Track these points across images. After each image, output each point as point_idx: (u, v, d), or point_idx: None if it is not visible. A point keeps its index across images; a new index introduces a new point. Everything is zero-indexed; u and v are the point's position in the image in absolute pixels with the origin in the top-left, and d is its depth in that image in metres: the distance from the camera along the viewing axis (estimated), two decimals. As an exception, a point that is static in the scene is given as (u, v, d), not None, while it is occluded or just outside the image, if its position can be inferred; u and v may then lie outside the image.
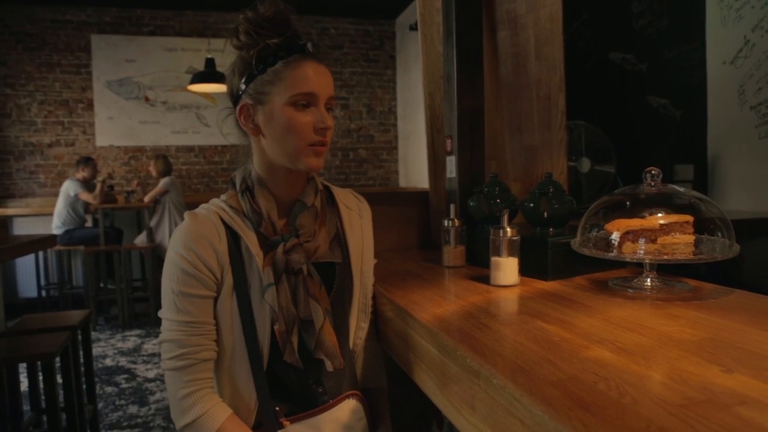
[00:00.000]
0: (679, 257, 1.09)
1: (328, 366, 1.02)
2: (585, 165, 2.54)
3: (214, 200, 1.09)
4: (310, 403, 1.08)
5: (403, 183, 6.81)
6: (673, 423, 0.55)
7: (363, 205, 1.22)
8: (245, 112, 1.04)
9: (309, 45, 1.05)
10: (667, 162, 3.13)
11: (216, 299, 1.03)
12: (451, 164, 1.68)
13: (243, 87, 1.03)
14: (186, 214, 1.05)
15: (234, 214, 1.05)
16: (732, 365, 0.70)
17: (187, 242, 1.00)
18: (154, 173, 5.31)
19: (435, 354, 0.91)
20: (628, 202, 1.19)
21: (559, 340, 0.83)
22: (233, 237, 1.04)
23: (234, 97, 1.07)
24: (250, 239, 1.03)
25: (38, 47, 5.84)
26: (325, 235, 1.10)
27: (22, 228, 5.55)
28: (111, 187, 5.47)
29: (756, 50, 2.85)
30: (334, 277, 1.11)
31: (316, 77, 1.01)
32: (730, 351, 0.76)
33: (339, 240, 1.14)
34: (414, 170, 6.36)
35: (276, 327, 1.00)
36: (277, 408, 1.04)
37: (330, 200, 1.18)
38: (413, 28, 5.87)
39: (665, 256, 1.09)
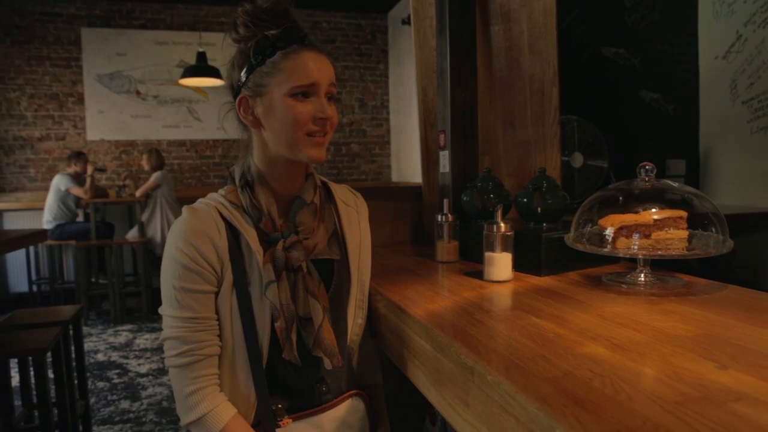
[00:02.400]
0: (673, 252, 1.09)
1: (327, 364, 1.02)
2: (577, 160, 2.54)
3: (212, 195, 1.08)
4: (313, 401, 1.07)
5: (395, 177, 6.80)
6: (669, 420, 0.55)
7: (360, 201, 1.22)
8: (244, 104, 1.03)
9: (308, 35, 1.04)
10: (660, 157, 3.13)
11: (216, 294, 1.01)
12: (444, 159, 1.67)
13: (242, 80, 1.02)
14: (184, 209, 1.03)
15: (233, 209, 1.04)
16: (726, 361, 0.70)
17: (187, 237, 0.98)
18: (146, 167, 5.28)
19: (428, 350, 0.90)
20: (621, 198, 1.19)
21: (554, 337, 0.83)
22: (233, 233, 1.02)
23: (234, 90, 1.06)
24: (249, 235, 1.02)
25: (27, 40, 5.77)
26: (323, 231, 1.09)
27: (13, 222, 5.51)
28: (103, 169, 5.41)
29: (748, 45, 2.86)
30: (333, 274, 1.10)
31: (315, 66, 0.99)
32: (724, 347, 0.76)
33: (337, 237, 1.14)
34: (406, 165, 6.35)
35: (277, 324, 0.99)
36: (279, 405, 1.04)
37: (327, 196, 1.17)
38: (406, 22, 5.84)
39: (659, 252, 1.09)
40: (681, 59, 3.21)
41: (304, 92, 0.99)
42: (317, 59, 1.00)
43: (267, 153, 1.05)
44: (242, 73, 1.02)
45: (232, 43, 1.04)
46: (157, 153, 5.31)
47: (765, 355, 0.71)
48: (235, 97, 1.05)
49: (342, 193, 1.20)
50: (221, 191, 1.08)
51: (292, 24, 1.01)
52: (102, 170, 5.40)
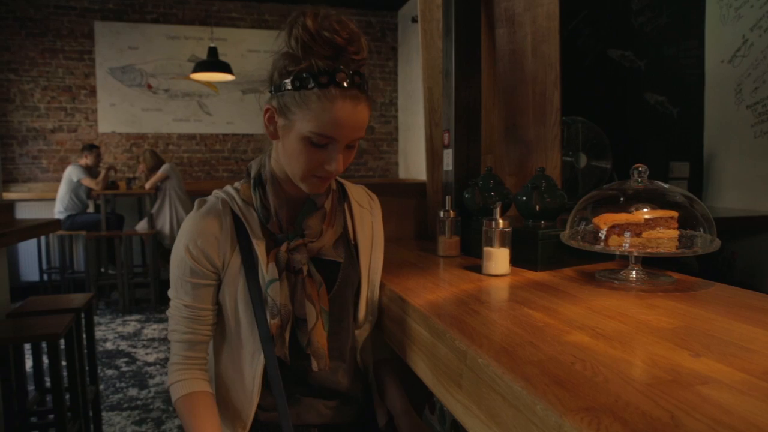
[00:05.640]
0: (663, 250, 1.14)
1: (314, 366, 1.05)
2: (581, 160, 2.59)
3: (228, 188, 1.12)
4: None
5: (402, 175, 6.85)
6: (639, 398, 0.60)
7: (374, 203, 1.24)
8: (269, 114, 1.01)
9: (359, 76, 0.95)
10: (663, 159, 3.17)
11: (220, 284, 1.08)
12: (447, 157, 1.73)
13: (276, 88, 0.99)
14: (196, 203, 1.10)
15: (244, 206, 1.08)
16: (700, 350, 0.75)
17: (193, 236, 1.05)
18: (144, 169, 5.36)
19: (427, 337, 0.96)
20: (615, 197, 1.24)
21: (543, 326, 0.88)
22: (241, 226, 1.07)
23: (269, 85, 1.02)
24: (256, 234, 1.07)
25: (42, 33, 5.86)
26: (331, 234, 1.11)
27: (25, 212, 5.60)
28: (113, 182, 5.53)
29: (754, 49, 2.89)
30: (337, 275, 1.12)
31: (345, 122, 0.94)
32: (700, 338, 0.81)
33: (346, 239, 1.16)
34: (414, 162, 6.40)
35: (273, 321, 1.03)
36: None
37: (342, 196, 1.20)
38: (415, 20, 5.88)
39: (649, 250, 1.14)
40: (687, 62, 3.24)
41: (323, 142, 0.96)
42: (352, 112, 0.94)
43: (281, 162, 1.07)
44: (279, 83, 0.97)
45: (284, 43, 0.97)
46: (152, 153, 5.39)
47: (737, 346, 0.77)
48: (269, 92, 1.02)
49: (357, 194, 1.22)
50: (237, 184, 1.12)
51: (344, 63, 0.94)
52: (112, 183, 5.50)
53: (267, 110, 1.01)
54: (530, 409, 0.62)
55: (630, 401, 0.60)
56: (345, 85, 0.93)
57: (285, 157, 1.02)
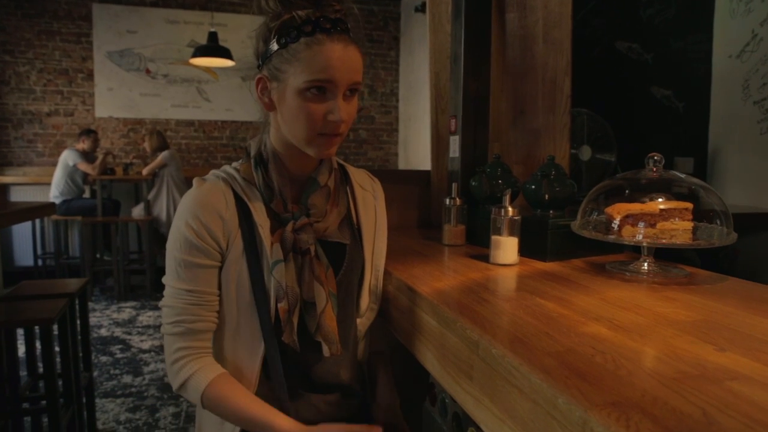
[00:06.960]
0: (677, 242, 1.10)
1: (325, 351, 1.01)
2: (586, 153, 2.55)
3: (227, 168, 1.07)
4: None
5: (402, 165, 6.80)
6: (667, 393, 0.57)
7: (377, 186, 1.21)
8: (262, 85, 0.99)
9: (344, 19, 0.95)
10: (668, 153, 3.13)
11: (221, 268, 1.01)
12: (454, 144, 1.69)
13: (263, 57, 0.98)
14: (195, 181, 1.03)
15: (246, 186, 1.03)
16: (725, 345, 0.72)
17: (195, 211, 0.98)
18: (148, 149, 5.29)
19: (434, 326, 0.92)
20: (628, 188, 1.21)
21: (557, 316, 0.85)
22: (243, 207, 1.02)
23: (256, 60, 1.02)
24: (259, 213, 1.02)
25: (38, 14, 5.77)
26: (336, 215, 1.08)
27: (20, 196, 5.54)
28: (111, 170, 5.45)
29: (763, 45, 2.85)
30: (344, 257, 1.08)
31: (337, 63, 0.92)
32: (723, 332, 0.77)
33: (350, 221, 1.13)
34: (414, 153, 6.35)
35: (280, 305, 0.98)
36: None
37: (344, 179, 1.16)
38: (418, 9, 5.82)
39: (663, 241, 1.11)
40: (694, 57, 3.20)
41: (320, 87, 0.93)
42: (343, 53, 0.93)
43: (282, 135, 1.02)
44: (265, 49, 0.97)
45: (258, 12, 0.98)
46: (158, 134, 5.32)
47: (762, 341, 0.73)
48: (258, 68, 1.02)
49: (359, 177, 1.19)
50: (235, 164, 1.07)
51: (325, 7, 0.94)
52: (110, 171, 5.43)
53: (258, 81, 1.00)
54: (550, 403, 0.58)
55: (658, 396, 0.56)
56: (330, 28, 0.92)
57: (286, 124, 0.99)
